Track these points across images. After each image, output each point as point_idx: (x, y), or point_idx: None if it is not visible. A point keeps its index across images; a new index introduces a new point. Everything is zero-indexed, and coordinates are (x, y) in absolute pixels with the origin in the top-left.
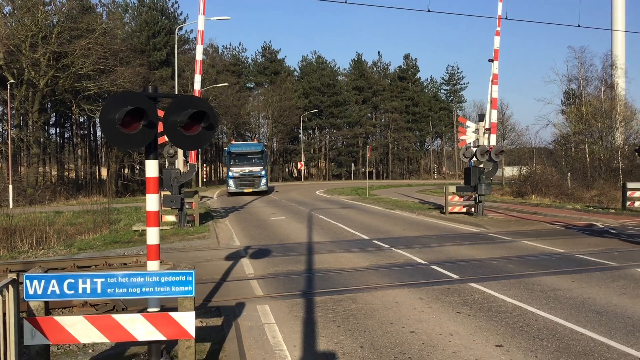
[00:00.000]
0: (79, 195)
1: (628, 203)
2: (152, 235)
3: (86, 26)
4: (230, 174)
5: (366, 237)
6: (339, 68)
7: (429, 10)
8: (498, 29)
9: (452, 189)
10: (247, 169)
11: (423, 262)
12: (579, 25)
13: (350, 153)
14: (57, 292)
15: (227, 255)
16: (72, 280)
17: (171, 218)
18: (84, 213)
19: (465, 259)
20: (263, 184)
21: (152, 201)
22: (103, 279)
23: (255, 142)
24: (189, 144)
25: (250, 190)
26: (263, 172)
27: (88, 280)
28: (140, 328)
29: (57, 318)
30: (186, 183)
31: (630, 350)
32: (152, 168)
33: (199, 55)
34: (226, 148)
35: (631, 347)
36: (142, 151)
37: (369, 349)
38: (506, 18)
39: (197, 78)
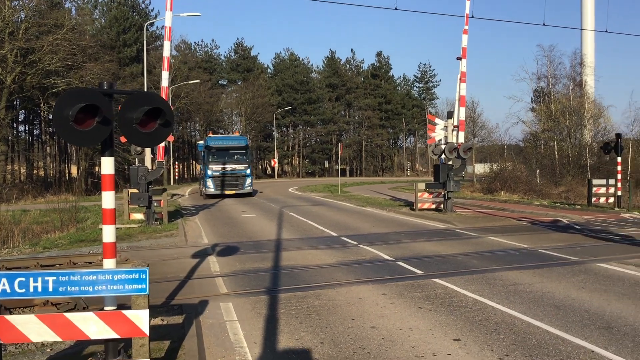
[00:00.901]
0: (47, 194)
1: (593, 199)
2: (108, 233)
3: (54, 22)
4: (209, 172)
5: (335, 234)
6: (312, 65)
7: (396, 9)
8: (466, 27)
9: (422, 185)
10: (229, 166)
11: (389, 258)
12: (544, 24)
13: (324, 150)
14: (8, 290)
15: (194, 253)
16: (23, 279)
17: (139, 216)
18: (51, 212)
19: (431, 255)
20: (248, 184)
21: (108, 199)
22: (55, 278)
23: (238, 134)
24: (145, 141)
25: (233, 192)
26: (248, 171)
27: (39, 279)
28: (93, 326)
29: (8, 317)
30: (156, 181)
31: (584, 343)
32: (107, 165)
33: (167, 52)
34: (201, 142)
35: (585, 340)
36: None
37: (329, 345)
38: (473, 17)
39: (165, 75)
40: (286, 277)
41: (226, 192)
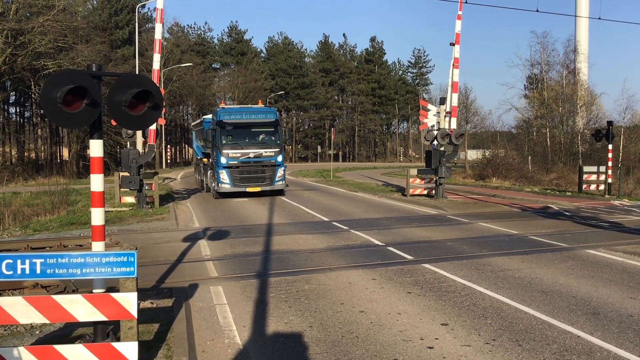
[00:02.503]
0: (39, 176)
1: (584, 186)
2: (97, 216)
3: (45, 2)
4: (223, 160)
5: (326, 219)
6: (305, 50)
7: None
8: (459, 12)
9: (414, 171)
10: (252, 151)
11: (380, 243)
12: (537, 10)
13: (317, 135)
14: None
15: (185, 237)
16: (10, 261)
17: (130, 199)
18: (42, 194)
19: (421, 241)
20: (279, 178)
21: (96, 181)
22: (42, 260)
23: (261, 104)
24: (134, 123)
25: (259, 189)
26: (279, 159)
27: (27, 261)
28: (82, 309)
29: None
30: (147, 164)
31: (571, 329)
32: (96, 148)
33: (158, 34)
34: (207, 116)
35: (572, 326)
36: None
37: (317, 329)
38: (467, 2)
39: (157, 57)
40: (276, 262)
41: (249, 190)
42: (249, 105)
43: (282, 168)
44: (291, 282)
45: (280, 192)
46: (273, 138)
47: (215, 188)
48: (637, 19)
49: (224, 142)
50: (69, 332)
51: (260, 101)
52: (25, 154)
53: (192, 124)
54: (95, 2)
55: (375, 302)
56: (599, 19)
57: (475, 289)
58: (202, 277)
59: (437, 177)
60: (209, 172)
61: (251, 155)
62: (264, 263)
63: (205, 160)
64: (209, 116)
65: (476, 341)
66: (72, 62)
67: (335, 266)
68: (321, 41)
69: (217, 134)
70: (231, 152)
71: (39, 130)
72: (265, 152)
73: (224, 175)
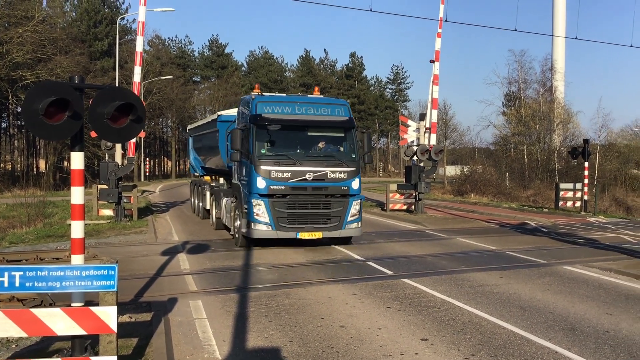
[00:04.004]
0: (15, 188)
1: (561, 203)
2: (77, 229)
3: (24, 13)
4: (259, 181)
5: None
6: (286, 64)
7: (371, 10)
8: (439, 30)
9: (393, 186)
10: (311, 170)
11: (360, 258)
12: (515, 30)
13: None
14: None
15: (164, 251)
16: None
17: (108, 212)
18: (18, 206)
19: (401, 256)
20: (353, 217)
21: (77, 194)
22: (22, 273)
23: (318, 93)
24: (116, 136)
25: (318, 235)
26: (356, 184)
27: (6, 274)
28: (60, 323)
29: None
30: (126, 177)
31: (548, 344)
32: (77, 160)
33: (139, 47)
34: (225, 112)
35: (549, 341)
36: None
37: (297, 343)
38: (446, 20)
39: (137, 70)
40: (257, 276)
41: (302, 236)
42: (304, 95)
43: (359, 200)
44: (271, 297)
45: (346, 240)
46: (345, 149)
47: (243, 229)
48: (612, 39)
49: (263, 151)
50: (46, 347)
51: (317, 88)
52: (1, 165)
53: (189, 127)
54: (74, 13)
55: (355, 317)
56: (576, 38)
57: (454, 304)
58: (181, 291)
59: (417, 193)
60: (225, 200)
61: (309, 176)
62: (244, 277)
63: (207, 179)
64: (228, 112)
65: (456, 356)
66: (50, 73)
67: (316, 280)
68: (302, 56)
69: (251, 137)
70: (275, 170)
71: (16, 141)
72: (333, 171)
73: (260, 209)
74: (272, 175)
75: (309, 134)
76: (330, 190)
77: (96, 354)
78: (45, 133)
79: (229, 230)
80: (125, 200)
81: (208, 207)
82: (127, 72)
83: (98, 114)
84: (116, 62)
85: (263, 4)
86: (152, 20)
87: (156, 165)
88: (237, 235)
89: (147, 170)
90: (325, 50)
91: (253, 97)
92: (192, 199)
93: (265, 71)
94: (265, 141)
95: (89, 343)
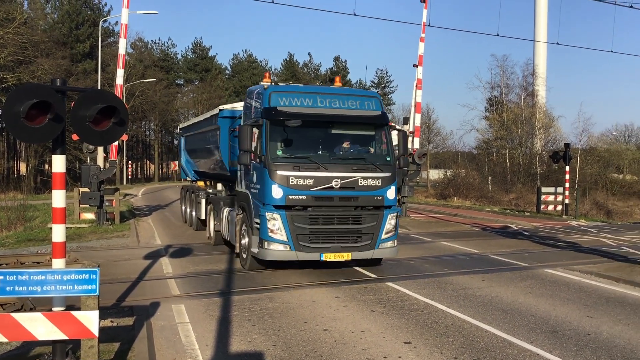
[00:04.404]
0: None
1: (542, 206)
2: (58, 233)
3: (5, 15)
4: (275, 191)
5: None
6: (270, 68)
7: (354, 14)
8: (422, 35)
9: None
10: (338, 176)
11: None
12: (497, 35)
13: None
14: None
15: (147, 254)
16: None
17: (90, 216)
18: None
19: (384, 259)
20: (389, 234)
21: (58, 197)
22: (2, 277)
23: (339, 84)
24: (98, 139)
25: (347, 256)
26: (391, 193)
27: None
28: (41, 327)
29: None
30: (108, 180)
31: (530, 347)
32: (58, 163)
33: (122, 50)
34: (227, 106)
35: (531, 344)
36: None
37: (281, 347)
38: (429, 25)
39: (120, 72)
40: (240, 279)
41: (327, 258)
42: (328, 86)
43: (395, 213)
44: (255, 300)
45: (374, 262)
46: (376, 150)
47: (254, 248)
48: (593, 44)
49: (279, 153)
50: (27, 352)
51: (338, 78)
52: None
53: (181, 126)
54: (55, 15)
55: (339, 321)
56: (557, 44)
57: (437, 307)
58: (164, 295)
59: (400, 196)
60: (227, 211)
61: (336, 183)
62: (227, 281)
63: (201, 184)
64: (232, 106)
65: (438, 359)
66: (32, 75)
67: (299, 284)
68: (286, 59)
69: (264, 136)
70: (294, 176)
71: None
72: (365, 178)
73: (275, 225)
74: (290, 182)
75: (333, 132)
76: (362, 201)
77: (77, 358)
78: (27, 136)
79: (231, 246)
80: (107, 204)
81: (203, 217)
82: (109, 75)
83: (80, 116)
84: (98, 64)
85: (247, 7)
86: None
87: (139, 168)
88: (244, 255)
89: (130, 173)
90: (309, 53)
91: (265, 86)
92: (183, 207)
93: (249, 74)
94: (281, 140)
95: (70, 348)
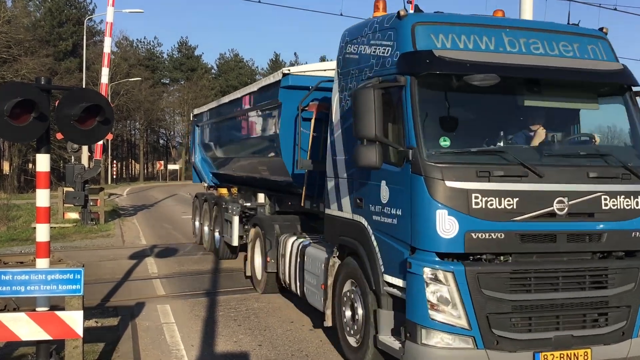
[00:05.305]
0: None
1: None
2: (42, 232)
3: None
4: (438, 225)
5: None
6: (257, 67)
7: (341, 15)
8: None
9: None
10: (564, 188)
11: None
12: None
13: None
14: None
15: (132, 254)
16: None
17: (74, 215)
18: None
19: None
20: None
21: (42, 197)
22: None
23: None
24: (83, 138)
25: (587, 354)
26: None
27: None
28: (25, 328)
29: None
30: (92, 179)
31: None
32: (43, 162)
33: (107, 48)
34: (297, 71)
35: None
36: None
37: (267, 347)
38: None
39: (105, 71)
40: (227, 280)
41: (548, 358)
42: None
43: None
44: (241, 301)
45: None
46: (614, 139)
47: (384, 336)
48: None
49: (445, 143)
50: (10, 352)
51: (501, 12)
52: None
53: (197, 111)
54: (38, 14)
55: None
56: None
57: None
58: (149, 295)
59: None
60: (303, 248)
61: (559, 206)
62: (213, 281)
63: (223, 191)
64: (304, 70)
65: None
66: (16, 74)
67: None
68: (272, 59)
69: (408, 109)
70: (479, 191)
71: None
72: (612, 193)
73: (444, 294)
74: (473, 205)
75: (528, 103)
76: (609, 241)
77: (61, 359)
78: (10, 135)
79: (293, 296)
80: (91, 204)
81: (236, 242)
82: (94, 74)
83: (65, 115)
84: (83, 63)
85: (233, 7)
86: (121, 21)
87: (124, 168)
88: (353, 343)
89: (115, 173)
90: (295, 53)
91: (403, 14)
92: (198, 223)
93: (235, 74)
94: (442, 119)
95: (54, 348)
